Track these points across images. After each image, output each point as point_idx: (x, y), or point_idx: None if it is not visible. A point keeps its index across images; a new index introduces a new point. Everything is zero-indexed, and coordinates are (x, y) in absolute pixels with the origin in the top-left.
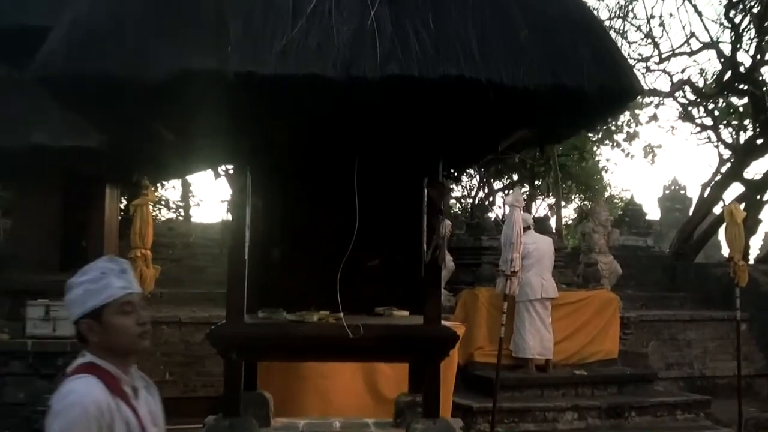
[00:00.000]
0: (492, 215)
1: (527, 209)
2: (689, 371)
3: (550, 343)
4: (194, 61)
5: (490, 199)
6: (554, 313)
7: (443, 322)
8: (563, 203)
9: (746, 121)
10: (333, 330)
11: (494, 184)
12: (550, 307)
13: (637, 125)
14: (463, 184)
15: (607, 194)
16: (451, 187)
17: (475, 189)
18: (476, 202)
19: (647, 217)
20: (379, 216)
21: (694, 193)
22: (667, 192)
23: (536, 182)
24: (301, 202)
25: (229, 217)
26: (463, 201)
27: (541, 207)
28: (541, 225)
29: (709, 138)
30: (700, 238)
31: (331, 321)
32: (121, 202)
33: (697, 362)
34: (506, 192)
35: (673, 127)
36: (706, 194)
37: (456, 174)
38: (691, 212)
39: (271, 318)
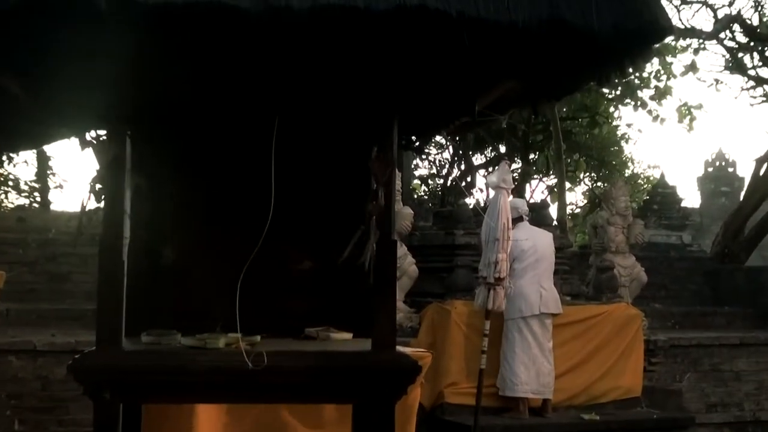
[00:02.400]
0: (470, 201)
1: (519, 193)
2: (738, 414)
3: (550, 377)
4: None
5: (468, 178)
6: (556, 335)
7: (400, 349)
8: (568, 185)
9: None
10: (242, 361)
11: (473, 159)
12: (551, 328)
13: (669, 78)
14: (431, 158)
15: (628, 172)
16: (414, 162)
17: (447, 165)
18: (449, 183)
19: (683, 204)
20: (311, 203)
21: (746, 172)
22: (710, 170)
23: (531, 156)
24: (203, 182)
25: (94, 201)
26: (430, 182)
27: (538, 190)
28: (537, 215)
29: (766, 95)
30: (753, 234)
31: (244, 347)
32: None
33: (749, 402)
34: (490, 170)
35: (717, 81)
36: (761, 173)
37: (418, 143)
38: (741, 198)
39: (159, 344)
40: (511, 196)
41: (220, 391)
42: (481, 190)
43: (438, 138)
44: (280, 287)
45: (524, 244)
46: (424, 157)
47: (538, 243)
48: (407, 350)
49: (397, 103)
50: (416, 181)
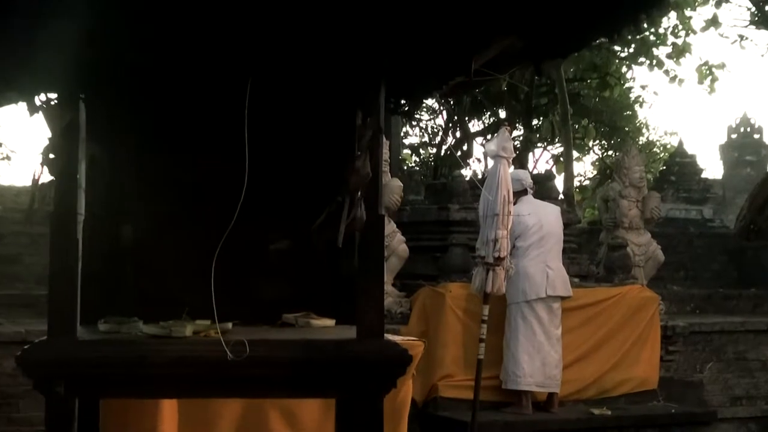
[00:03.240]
0: (466, 172)
1: (521, 163)
2: (765, 407)
3: (557, 368)
4: None
5: (464, 147)
6: (563, 321)
7: (389, 337)
8: (576, 154)
9: None
10: (216, 350)
11: (470, 125)
12: (559, 313)
13: (687, 34)
14: (423, 125)
15: (642, 140)
16: (404, 129)
17: (440, 133)
18: (442, 152)
19: (703, 175)
20: (290, 175)
21: None
22: (734, 137)
23: (534, 122)
24: (168, 152)
25: (47, 173)
26: (422, 151)
27: (542, 160)
28: (541, 187)
29: None
30: None
31: (213, 335)
32: None
33: None
34: (488, 137)
35: (742, 37)
36: None
37: (408, 107)
38: None
39: (119, 332)
40: (512, 167)
41: (189, 385)
42: (479, 160)
43: (430, 102)
44: (254, 268)
45: (528, 219)
46: (414, 123)
47: (544, 218)
48: (397, 339)
49: (383, 61)
50: (406, 151)
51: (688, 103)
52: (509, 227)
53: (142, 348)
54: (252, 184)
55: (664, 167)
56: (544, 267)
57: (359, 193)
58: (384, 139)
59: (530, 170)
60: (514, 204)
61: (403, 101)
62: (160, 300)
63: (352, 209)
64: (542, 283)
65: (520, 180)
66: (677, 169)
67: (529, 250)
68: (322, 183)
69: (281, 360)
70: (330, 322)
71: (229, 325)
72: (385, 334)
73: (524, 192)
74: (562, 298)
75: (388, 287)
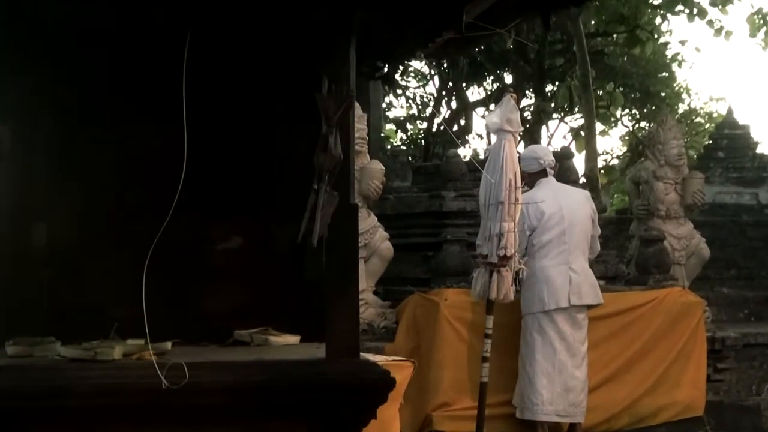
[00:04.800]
0: (465, 152)
1: (532, 139)
2: None
3: (582, 393)
4: None
5: (462, 121)
6: (588, 333)
7: (366, 357)
8: (599, 126)
9: None
10: (150, 377)
11: (468, 94)
12: (585, 325)
13: None
14: (411, 94)
15: (682, 108)
16: (387, 99)
17: (432, 103)
18: (435, 127)
19: (758, 151)
20: (241, 158)
21: None
22: None
23: (548, 88)
24: (91, 132)
25: None
26: (409, 126)
27: (557, 134)
28: (557, 168)
29: None
30: None
31: (147, 358)
32: None
33: None
34: (491, 108)
35: None
36: None
37: (388, 71)
38: None
39: (31, 355)
40: (522, 143)
41: (117, 419)
42: (480, 137)
43: (418, 65)
44: (198, 274)
45: (547, 208)
46: (399, 92)
47: (567, 207)
48: (379, 359)
49: (354, 13)
50: (390, 126)
51: (738, 61)
52: (518, 218)
53: (60, 375)
54: (193, 168)
55: (710, 141)
56: (567, 269)
57: (327, 179)
58: (359, 112)
59: (548, 146)
60: (531, 188)
61: (381, 63)
62: (82, 315)
63: (320, 199)
64: (564, 289)
65: (538, 158)
66: (726, 143)
67: (549, 248)
68: (282, 166)
69: (231, 387)
70: (293, 339)
71: (168, 344)
72: (363, 354)
73: (543, 173)
74: (590, 307)
75: (367, 295)
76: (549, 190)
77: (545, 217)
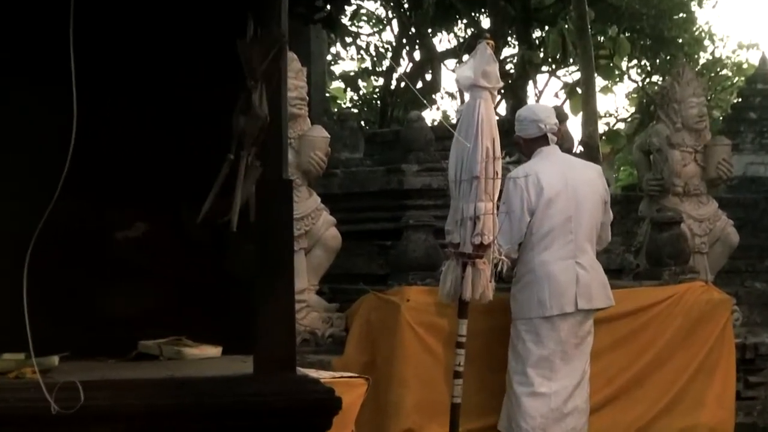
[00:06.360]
0: (432, 115)
1: (516, 97)
2: None
3: (582, 418)
4: None
5: (427, 76)
6: (594, 339)
7: (306, 372)
8: (601, 82)
9: None
10: (34, 399)
11: (435, 42)
12: (592, 333)
13: None
14: (363, 42)
15: (703, 58)
16: (333, 50)
17: (389, 54)
18: (393, 84)
19: None
20: (140, 120)
21: None
22: None
23: (536, 34)
24: None
25: None
26: (362, 84)
27: (548, 91)
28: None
29: None
30: None
31: (30, 376)
32: None
33: None
34: (463, 59)
35: None
36: None
37: (331, 13)
38: None
39: None
40: (503, 103)
41: None
42: (451, 95)
43: (371, 5)
44: (92, 271)
45: (550, 185)
46: (349, 40)
47: (574, 185)
48: (322, 375)
49: None
50: (337, 84)
51: None
52: (510, 197)
53: None
54: (86, 139)
55: (739, 99)
56: (574, 264)
57: (252, 148)
58: (296, 65)
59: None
60: (530, 158)
61: (321, 2)
62: None
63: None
64: (570, 289)
65: (538, 120)
66: (759, 102)
67: (552, 237)
68: (197, 134)
69: (136, 412)
70: (213, 351)
71: (55, 359)
72: (302, 369)
73: (544, 140)
74: (598, 310)
75: (308, 296)
76: (552, 162)
77: (548, 197)
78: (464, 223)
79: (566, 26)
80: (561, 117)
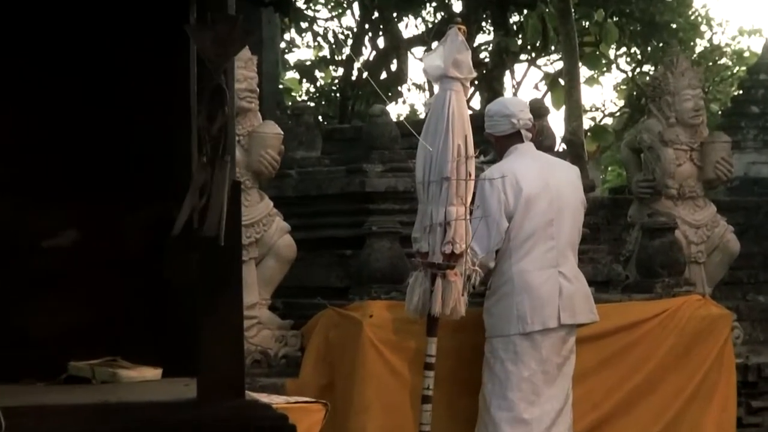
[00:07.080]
0: (397, 109)
1: (492, 89)
2: None
3: None
4: None
5: (392, 66)
6: (578, 359)
7: (255, 396)
8: (586, 72)
9: None
10: None
11: (401, 28)
12: (574, 351)
13: None
14: (320, 29)
15: (700, 45)
16: (287, 36)
17: (349, 40)
18: (354, 75)
19: None
20: (76, 116)
21: None
22: None
23: (513, 18)
24: None
25: None
26: (319, 75)
27: (527, 83)
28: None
29: None
30: None
31: None
32: None
33: None
34: (432, 46)
35: None
36: None
37: None
38: None
39: None
40: (477, 96)
41: None
42: (420, 88)
43: None
44: (16, 284)
45: (529, 186)
46: (305, 25)
47: (555, 186)
48: (275, 400)
49: None
50: (291, 75)
51: None
52: (484, 199)
53: None
54: (8, 134)
55: (739, 91)
56: (556, 274)
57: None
58: (245, 53)
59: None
60: (502, 158)
61: None
62: None
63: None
64: (553, 302)
65: (510, 115)
66: (762, 94)
67: (531, 244)
68: (133, 129)
69: None
70: (152, 373)
71: None
72: (251, 393)
73: (517, 137)
74: (581, 326)
75: (259, 311)
76: (529, 161)
77: (525, 200)
78: (433, 230)
79: (547, 10)
80: (541, 111)
